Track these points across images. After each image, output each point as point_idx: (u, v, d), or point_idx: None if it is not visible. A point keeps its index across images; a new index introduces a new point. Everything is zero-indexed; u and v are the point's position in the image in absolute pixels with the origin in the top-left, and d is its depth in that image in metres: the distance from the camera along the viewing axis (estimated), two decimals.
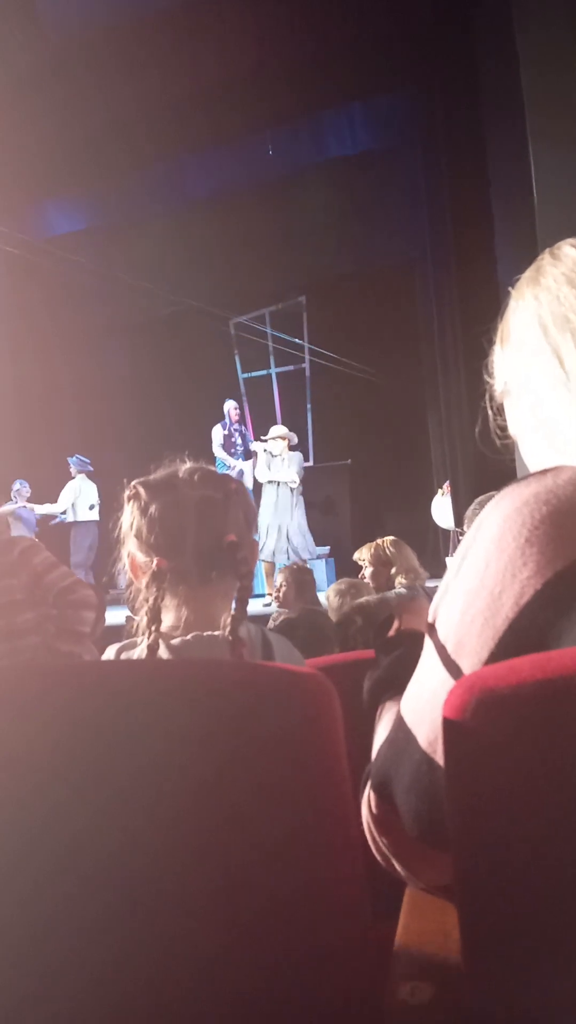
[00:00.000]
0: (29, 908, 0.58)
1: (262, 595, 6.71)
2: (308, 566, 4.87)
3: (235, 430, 8.50)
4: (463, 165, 5.78)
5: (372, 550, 3.60)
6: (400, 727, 0.65)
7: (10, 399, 7.89)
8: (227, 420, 8.51)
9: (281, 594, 3.98)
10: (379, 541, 3.62)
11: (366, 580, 3.65)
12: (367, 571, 3.64)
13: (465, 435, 6.58)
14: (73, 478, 8.02)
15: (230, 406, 8.55)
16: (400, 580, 3.45)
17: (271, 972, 0.57)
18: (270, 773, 0.60)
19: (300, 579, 4.02)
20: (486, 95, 5.26)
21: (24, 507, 7.87)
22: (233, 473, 7.88)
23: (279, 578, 4.15)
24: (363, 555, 3.65)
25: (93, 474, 8.08)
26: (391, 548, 3.54)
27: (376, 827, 0.66)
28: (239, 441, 8.52)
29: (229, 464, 8.22)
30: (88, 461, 8.06)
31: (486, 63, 5.23)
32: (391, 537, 3.66)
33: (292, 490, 7.19)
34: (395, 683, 0.79)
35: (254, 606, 5.81)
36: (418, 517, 7.94)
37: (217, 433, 8.37)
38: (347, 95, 6.69)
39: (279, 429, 7.45)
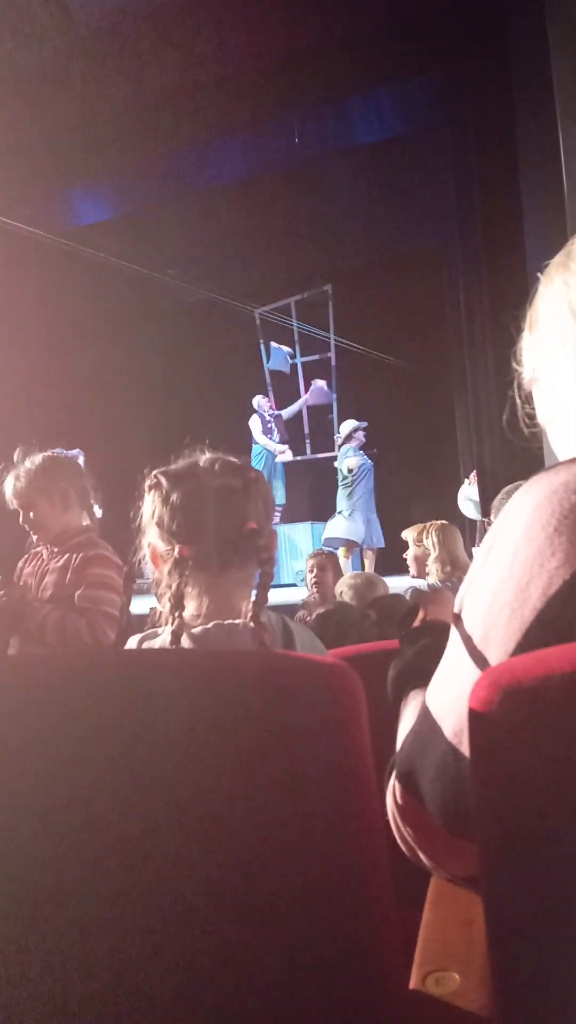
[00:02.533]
0: (47, 894, 0.58)
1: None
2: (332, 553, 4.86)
3: (272, 416, 8.92)
4: (492, 150, 5.71)
5: (416, 532, 3.53)
6: (426, 718, 0.65)
7: (33, 388, 7.94)
8: (261, 412, 8.86)
9: (313, 579, 4.00)
10: (427, 524, 3.52)
11: (408, 562, 3.61)
12: (409, 553, 3.59)
13: (493, 423, 6.53)
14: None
15: (260, 399, 8.92)
16: (436, 569, 3.38)
17: (294, 961, 0.58)
18: (293, 762, 0.60)
19: (325, 565, 4.02)
20: (516, 78, 5.18)
21: None
22: (279, 456, 8.69)
23: (309, 563, 4.17)
24: (409, 536, 3.59)
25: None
26: (435, 534, 3.42)
27: (401, 817, 0.66)
28: (274, 428, 9.09)
29: (273, 449, 8.75)
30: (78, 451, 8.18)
31: (516, 46, 5.15)
32: (440, 522, 3.52)
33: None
34: (419, 674, 0.79)
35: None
36: (445, 506, 7.90)
37: (255, 423, 8.74)
38: (375, 80, 6.61)
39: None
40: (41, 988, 0.57)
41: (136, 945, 0.57)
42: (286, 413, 9.37)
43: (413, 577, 3.59)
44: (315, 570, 4.08)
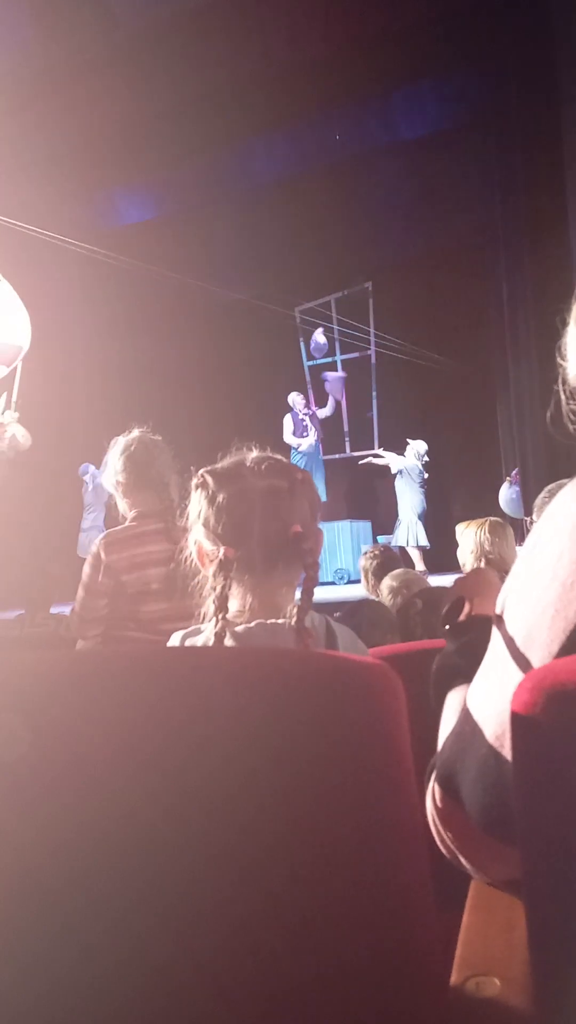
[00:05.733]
0: (80, 895, 0.58)
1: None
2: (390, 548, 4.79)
3: (305, 414, 8.97)
4: (536, 142, 5.62)
5: (465, 527, 3.46)
6: (467, 720, 0.64)
7: (78, 387, 8.05)
8: (295, 410, 8.89)
9: (367, 576, 3.92)
10: (478, 520, 3.45)
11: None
12: (459, 548, 3.53)
13: (535, 421, 6.44)
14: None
15: (295, 397, 8.97)
16: (474, 566, 3.33)
17: (333, 965, 0.57)
18: (333, 763, 0.59)
19: (384, 559, 3.93)
20: (561, 70, 5.09)
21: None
22: (304, 445, 8.79)
23: (362, 560, 4.10)
24: (460, 529, 3.54)
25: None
26: (483, 532, 3.36)
27: (440, 821, 0.65)
28: (309, 425, 9.07)
29: (296, 444, 8.94)
30: None
31: (561, 37, 5.06)
32: (492, 519, 3.41)
33: None
34: (463, 671, 0.78)
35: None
36: (486, 505, 7.81)
37: (288, 422, 8.80)
38: (417, 74, 6.55)
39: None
40: (75, 989, 0.57)
41: (168, 947, 0.58)
42: (322, 413, 9.44)
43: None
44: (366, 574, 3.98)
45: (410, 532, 8.17)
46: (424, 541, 8.12)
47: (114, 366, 8.68)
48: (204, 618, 1.07)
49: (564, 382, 0.76)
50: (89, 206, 7.83)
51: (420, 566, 7.76)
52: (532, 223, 5.84)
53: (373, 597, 3.77)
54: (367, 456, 8.88)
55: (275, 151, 7.64)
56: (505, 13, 5.73)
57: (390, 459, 8.51)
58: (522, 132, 5.95)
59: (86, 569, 2.24)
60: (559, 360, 0.76)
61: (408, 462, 8.39)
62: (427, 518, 8.33)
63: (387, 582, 3.23)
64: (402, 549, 8.04)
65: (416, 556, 8.13)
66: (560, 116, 5.16)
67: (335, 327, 9.71)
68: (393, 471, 8.46)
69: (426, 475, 8.42)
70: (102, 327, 8.61)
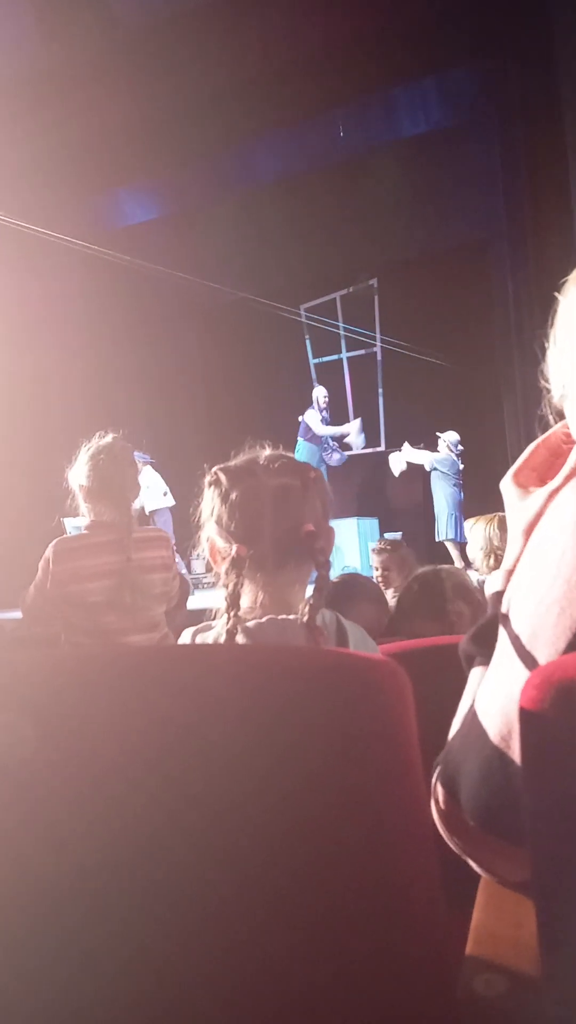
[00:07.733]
0: (86, 897, 0.58)
1: None
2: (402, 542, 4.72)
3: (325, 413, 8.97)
4: (540, 138, 5.60)
5: (474, 523, 3.45)
6: (473, 720, 0.63)
7: (83, 388, 8.04)
8: (317, 405, 8.85)
9: (383, 572, 3.89)
10: (487, 516, 3.42)
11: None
12: (468, 544, 3.51)
13: (542, 421, 6.40)
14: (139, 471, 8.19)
15: (320, 393, 8.93)
16: (483, 564, 3.31)
17: (341, 964, 0.57)
18: (340, 760, 0.59)
19: (399, 554, 3.91)
20: (564, 68, 5.07)
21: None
22: (351, 434, 8.96)
23: (373, 560, 4.06)
24: (468, 525, 3.51)
25: (165, 462, 8.34)
26: (492, 528, 3.33)
27: (444, 823, 0.64)
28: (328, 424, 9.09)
29: (339, 432, 9.00)
30: (148, 456, 8.40)
31: (561, 31, 5.05)
32: (500, 515, 3.36)
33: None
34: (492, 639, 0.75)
35: None
36: (491, 503, 7.78)
37: (313, 417, 8.75)
38: (420, 71, 6.52)
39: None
40: (79, 991, 0.57)
41: (173, 948, 0.57)
42: (321, 430, 9.25)
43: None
44: (380, 569, 3.95)
45: (447, 526, 8.09)
46: (459, 535, 7.95)
47: (118, 366, 8.68)
48: (216, 615, 1.08)
49: (549, 405, 0.76)
50: (92, 207, 7.82)
51: (459, 562, 7.69)
52: (536, 219, 5.82)
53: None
54: (398, 454, 8.69)
55: (278, 150, 7.62)
56: (506, 10, 5.71)
57: (422, 456, 8.36)
58: (525, 128, 5.92)
59: (39, 571, 2.24)
60: (543, 383, 0.76)
61: (441, 455, 8.26)
62: (432, 516, 8.28)
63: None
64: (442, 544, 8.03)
65: (454, 551, 8.00)
66: (563, 113, 5.15)
67: (340, 324, 9.70)
68: (427, 468, 8.33)
69: (461, 466, 8.24)
70: (107, 327, 8.61)
